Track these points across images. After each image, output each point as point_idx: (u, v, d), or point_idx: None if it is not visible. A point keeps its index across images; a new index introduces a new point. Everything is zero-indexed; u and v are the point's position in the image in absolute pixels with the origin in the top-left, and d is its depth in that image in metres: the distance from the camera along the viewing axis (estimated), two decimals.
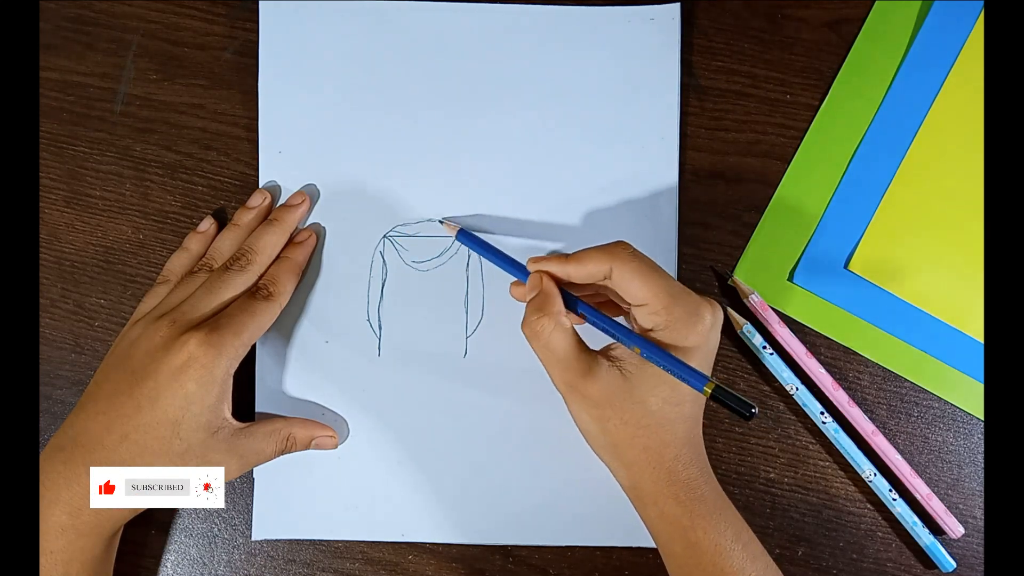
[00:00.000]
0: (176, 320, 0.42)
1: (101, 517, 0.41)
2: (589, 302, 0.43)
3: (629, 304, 0.42)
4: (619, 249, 0.41)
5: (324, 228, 0.48)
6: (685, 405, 0.41)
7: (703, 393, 0.39)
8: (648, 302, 0.40)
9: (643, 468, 0.41)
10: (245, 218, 0.47)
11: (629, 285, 0.40)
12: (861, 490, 0.48)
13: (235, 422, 0.43)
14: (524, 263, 0.44)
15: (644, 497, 0.41)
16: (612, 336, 0.41)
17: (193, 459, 0.42)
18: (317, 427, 0.46)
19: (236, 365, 0.42)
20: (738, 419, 0.46)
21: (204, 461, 0.42)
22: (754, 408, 0.38)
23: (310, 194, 0.48)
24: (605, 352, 0.42)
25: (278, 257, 0.46)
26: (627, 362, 0.41)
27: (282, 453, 0.45)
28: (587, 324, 0.43)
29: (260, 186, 0.48)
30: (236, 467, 0.43)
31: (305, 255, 0.47)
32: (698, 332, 0.40)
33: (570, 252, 0.42)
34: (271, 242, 0.46)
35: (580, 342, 0.41)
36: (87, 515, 0.40)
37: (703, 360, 0.41)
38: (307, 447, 0.46)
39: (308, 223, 0.48)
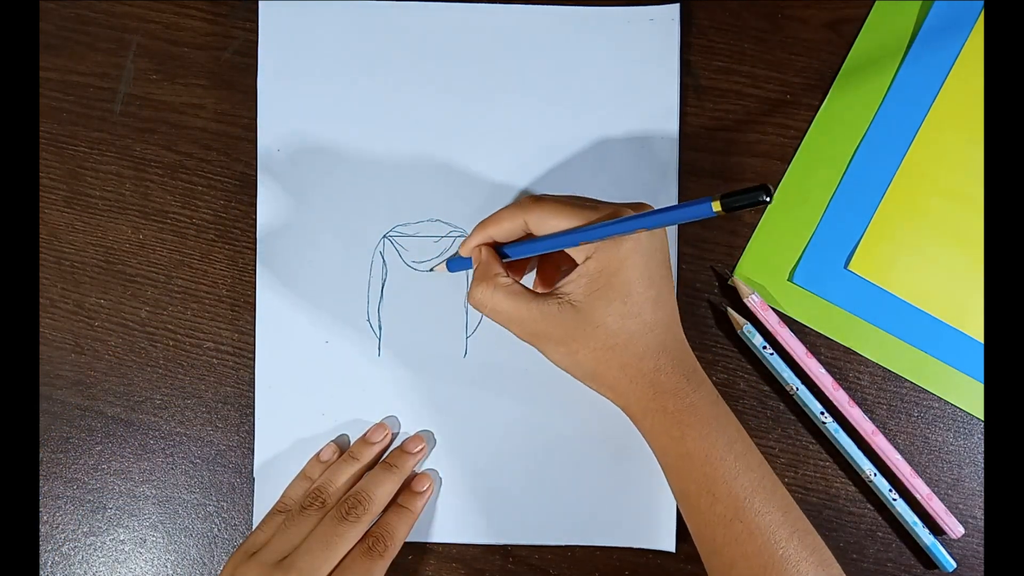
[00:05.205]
0: None
1: None
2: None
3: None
4: (524, 198, 0.42)
5: (323, 229, 0.48)
6: (645, 314, 0.40)
7: (715, 213, 0.34)
8: (570, 226, 0.40)
9: (626, 386, 0.41)
10: (365, 453, 0.46)
11: (547, 224, 0.41)
12: (861, 490, 0.48)
13: None
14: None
15: (635, 414, 0.41)
16: (570, 244, 0.41)
17: None
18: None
19: None
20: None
21: None
22: (769, 186, 0.33)
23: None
24: (553, 293, 0.42)
25: (392, 503, 0.46)
26: (575, 294, 0.40)
27: None
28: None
29: (259, 186, 0.48)
30: None
31: (423, 505, 0.47)
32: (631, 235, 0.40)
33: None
34: (387, 491, 0.45)
35: (526, 291, 0.41)
36: None
37: (650, 259, 0.40)
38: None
39: (307, 223, 0.48)
